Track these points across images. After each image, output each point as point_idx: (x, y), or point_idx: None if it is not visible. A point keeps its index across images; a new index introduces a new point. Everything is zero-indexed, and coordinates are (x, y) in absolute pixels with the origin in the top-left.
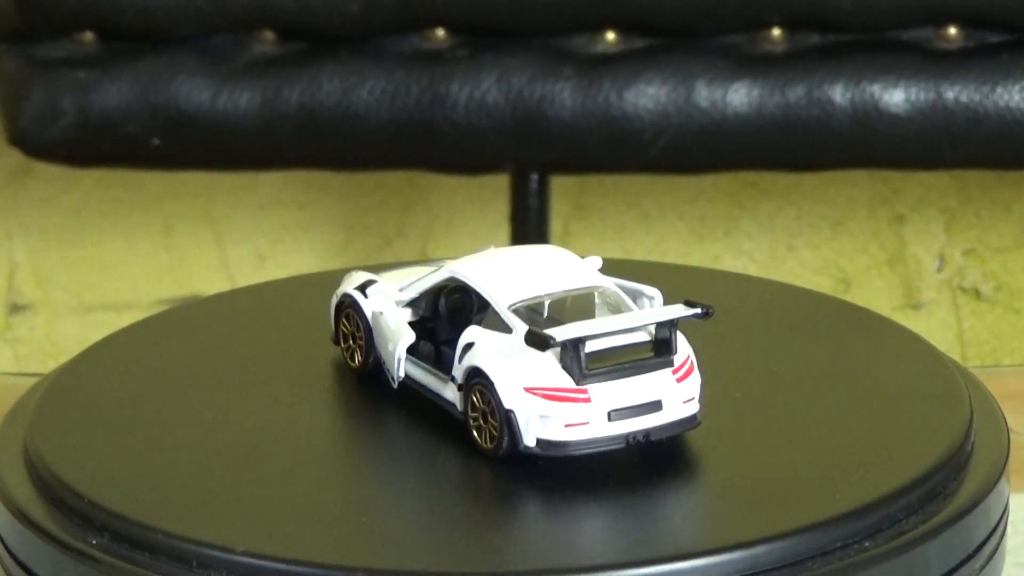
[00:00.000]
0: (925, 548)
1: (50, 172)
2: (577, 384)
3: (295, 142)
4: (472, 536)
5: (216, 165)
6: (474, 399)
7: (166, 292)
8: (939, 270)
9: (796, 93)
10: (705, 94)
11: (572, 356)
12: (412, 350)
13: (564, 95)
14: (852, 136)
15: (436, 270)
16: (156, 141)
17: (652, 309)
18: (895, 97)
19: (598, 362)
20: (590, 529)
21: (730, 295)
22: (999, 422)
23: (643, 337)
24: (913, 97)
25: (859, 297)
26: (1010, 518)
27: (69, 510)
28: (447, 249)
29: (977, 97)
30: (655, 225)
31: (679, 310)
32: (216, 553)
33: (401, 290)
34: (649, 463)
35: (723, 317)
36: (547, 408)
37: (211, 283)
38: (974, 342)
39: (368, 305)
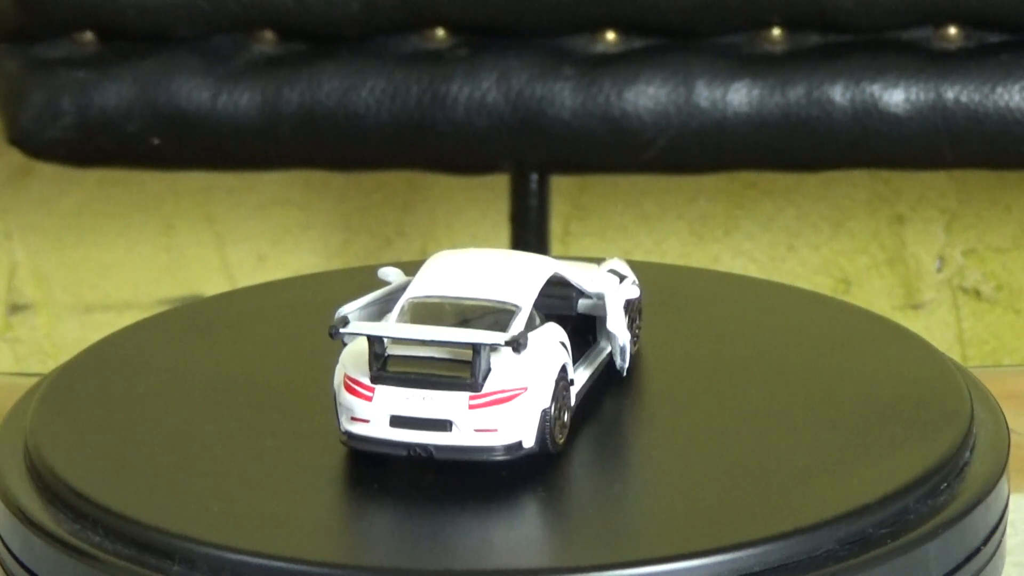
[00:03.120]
0: (926, 548)
1: (50, 172)
2: (370, 382)
3: (295, 142)
4: (474, 535)
5: (216, 165)
6: None
7: (166, 292)
8: (939, 270)
9: (796, 93)
10: (705, 94)
11: (371, 354)
12: None
13: (564, 95)
14: (852, 136)
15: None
16: (156, 141)
17: (469, 330)
18: (895, 97)
19: (404, 366)
20: (586, 528)
21: (730, 295)
22: (1000, 422)
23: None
24: (913, 97)
25: (859, 297)
26: (1009, 518)
27: (69, 509)
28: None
29: (977, 97)
30: (655, 225)
31: (485, 336)
32: (217, 553)
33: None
34: (648, 463)
35: (723, 317)
36: (344, 398)
37: (211, 283)
38: (974, 342)
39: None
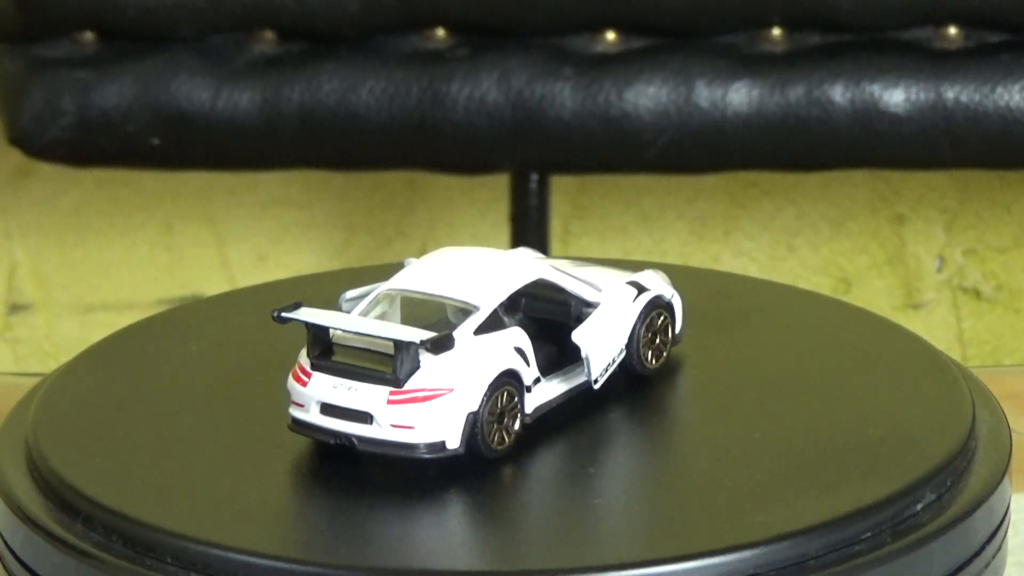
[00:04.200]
0: (929, 549)
1: (50, 172)
2: (309, 368)
3: (295, 142)
4: (486, 534)
5: (216, 165)
6: None
7: (166, 292)
8: (939, 270)
9: (796, 93)
10: (705, 94)
11: (310, 341)
12: None
13: (564, 95)
14: (852, 136)
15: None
16: (156, 141)
17: (396, 326)
18: (895, 97)
19: (343, 356)
20: (594, 528)
21: (730, 295)
22: (1001, 422)
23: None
24: (913, 97)
25: (859, 297)
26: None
27: (71, 509)
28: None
29: (977, 97)
30: (655, 225)
31: (406, 333)
32: (218, 553)
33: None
34: (647, 463)
35: (723, 317)
36: (289, 382)
37: (211, 283)
38: (974, 342)
39: None
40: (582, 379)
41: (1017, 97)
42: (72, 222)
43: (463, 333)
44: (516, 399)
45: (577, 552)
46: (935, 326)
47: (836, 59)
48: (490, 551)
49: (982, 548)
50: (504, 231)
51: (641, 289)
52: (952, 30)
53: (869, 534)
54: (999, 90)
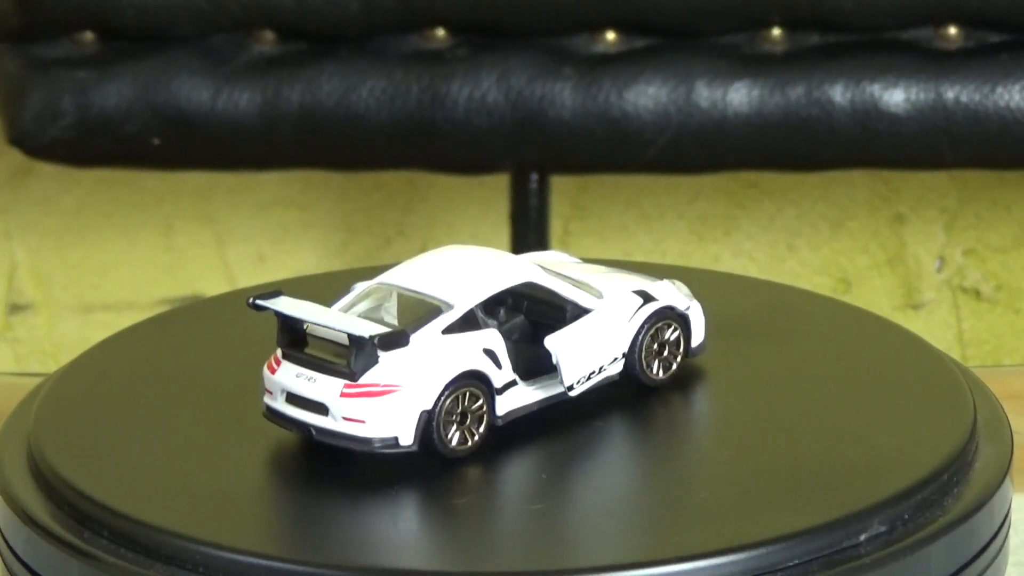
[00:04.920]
0: (930, 549)
1: (50, 172)
2: (280, 357)
3: (295, 142)
4: (475, 534)
5: (216, 165)
6: None
7: (166, 292)
8: (939, 270)
9: (796, 93)
10: (705, 94)
11: (280, 330)
12: None
13: (564, 95)
14: (852, 136)
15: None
16: (156, 141)
17: (358, 320)
18: (895, 97)
19: (312, 347)
20: (596, 528)
21: (730, 295)
22: (1002, 422)
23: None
24: (913, 97)
25: (859, 297)
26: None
27: (72, 510)
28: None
29: (977, 97)
30: (655, 225)
31: (361, 328)
32: (219, 553)
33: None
34: (647, 463)
35: (722, 318)
36: (264, 370)
37: (211, 283)
38: (974, 342)
39: None
40: (553, 385)
41: (1017, 97)
42: (72, 222)
43: (429, 331)
44: (481, 401)
45: (549, 556)
46: (935, 326)
47: (836, 59)
48: (457, 551)
49: (984, 549)
50: (504, 231)
51: (648, 299)
52: (952, 30)
53: (871, 534)
54: (999, 90)
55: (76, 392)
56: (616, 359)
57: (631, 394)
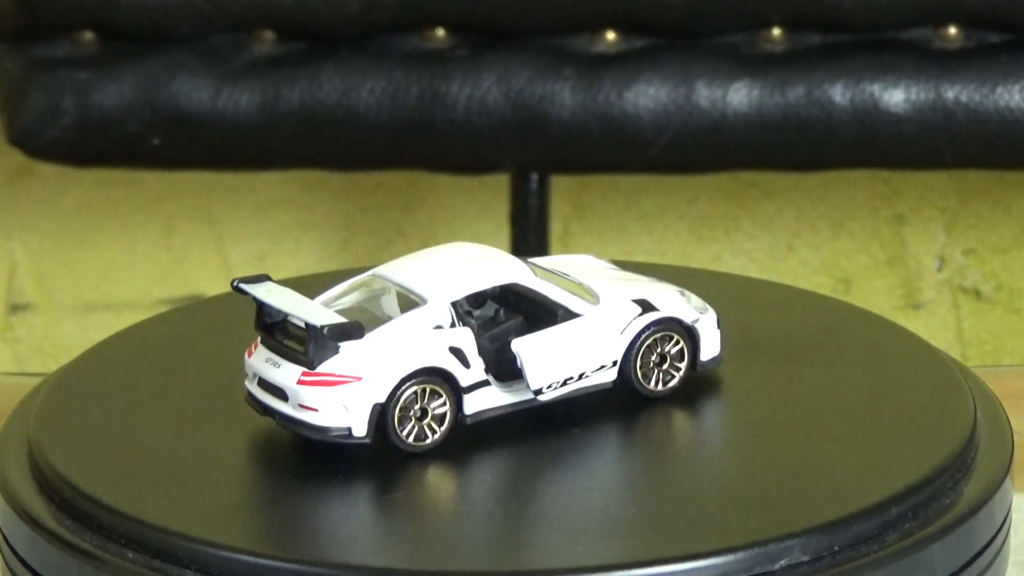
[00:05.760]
0: (931, 550)
1: (50, 172)
2: (259, 343)
3: (295, 142)
4: (494, 535)
5: (216, 165)
6: None
7: (166, 292)
8: (939, 270)
9: (796, 93)
10: (705, 94)
11: (257, 316)
12: None
13: (564, 95)
14: (852, 136)
15: None
16: (156, 141)
17: (322, 310)
18: (895, 97)
19: (285, 334)
20: (593, 529)
21: (730, 295)
22: (1003, 422)
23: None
24: (913, 97)
25: (859, 297)
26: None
27: (73, 509)
28: None
29: (977, 97)
30: (655, 225)
31: (320, 317)
32: (220, 553)
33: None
34: (647, 463)
35: (722, 318)
36: (245, 355)
37: (211, 283)
38: (974, 342)
39: None
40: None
41: (1017, 97)
42: (72, 222)
43: (396, 325)
44: (443, 398)
45: (518, 555)
46: (935, 326)
47: (836, 59)
48: (486, 553)
49: (984, 548)
50: (504, 231)
51: (648, 308)
52: (952, 30)
53: (871, 535)
54: (999, 90)
55: (76, 392)
56: (604, 367)
57: (622, 403)
